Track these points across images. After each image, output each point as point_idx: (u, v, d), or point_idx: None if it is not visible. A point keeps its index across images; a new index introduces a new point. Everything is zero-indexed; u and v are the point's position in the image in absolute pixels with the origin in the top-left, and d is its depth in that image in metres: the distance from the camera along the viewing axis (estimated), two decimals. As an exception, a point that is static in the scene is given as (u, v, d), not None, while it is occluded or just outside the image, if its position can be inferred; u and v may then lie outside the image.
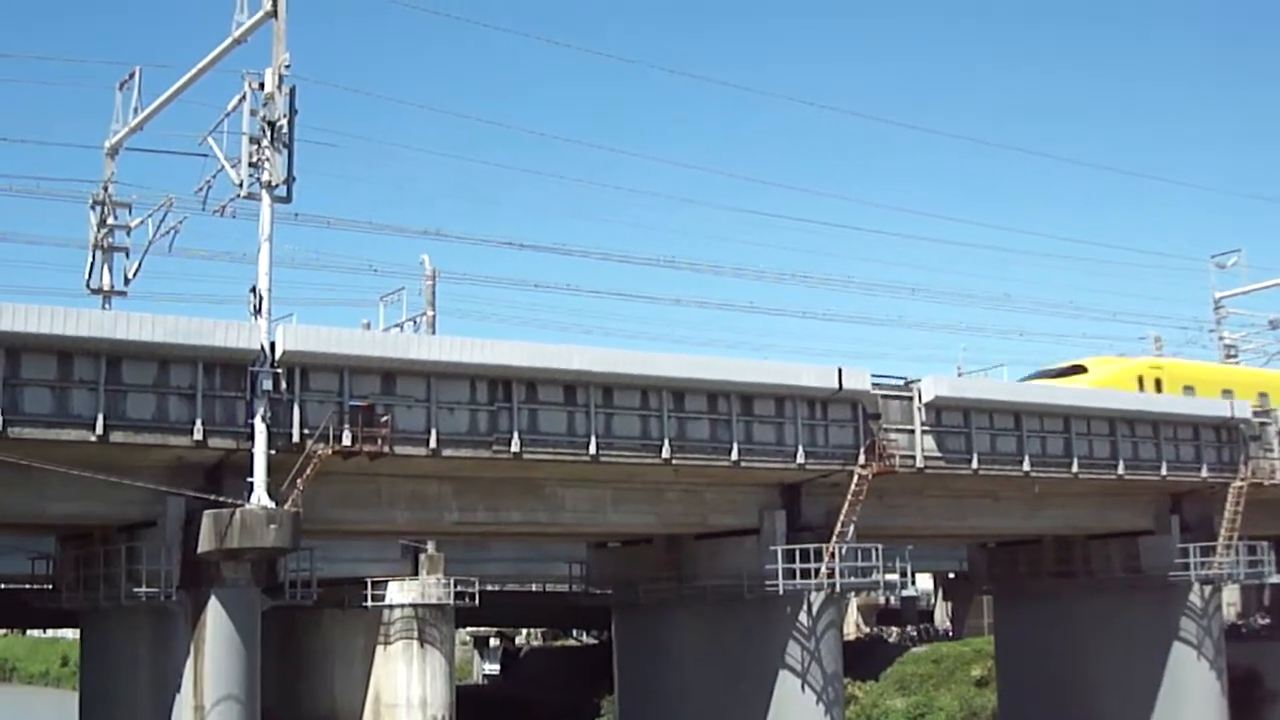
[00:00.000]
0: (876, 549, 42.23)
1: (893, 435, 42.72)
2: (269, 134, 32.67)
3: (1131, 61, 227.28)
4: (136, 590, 33.22)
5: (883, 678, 76.63)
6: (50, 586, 42.97)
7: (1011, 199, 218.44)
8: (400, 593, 67.92)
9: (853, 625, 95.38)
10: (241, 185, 32.92)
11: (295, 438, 33.22)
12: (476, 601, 68.99)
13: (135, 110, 36.46)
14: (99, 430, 30.92)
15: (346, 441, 33.37)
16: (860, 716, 68.94)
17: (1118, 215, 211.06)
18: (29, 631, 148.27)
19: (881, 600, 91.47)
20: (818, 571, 41.41)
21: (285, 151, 32.92)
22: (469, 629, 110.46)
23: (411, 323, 55.33)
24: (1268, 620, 71.90)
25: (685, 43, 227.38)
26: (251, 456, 32.40)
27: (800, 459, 41.08)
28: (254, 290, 32.93)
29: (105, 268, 36.84)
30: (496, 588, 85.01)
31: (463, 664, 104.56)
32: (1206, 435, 51.20)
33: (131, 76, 36.84)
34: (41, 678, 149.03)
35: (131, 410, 31.64)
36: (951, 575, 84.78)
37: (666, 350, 52.57)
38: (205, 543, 32.64)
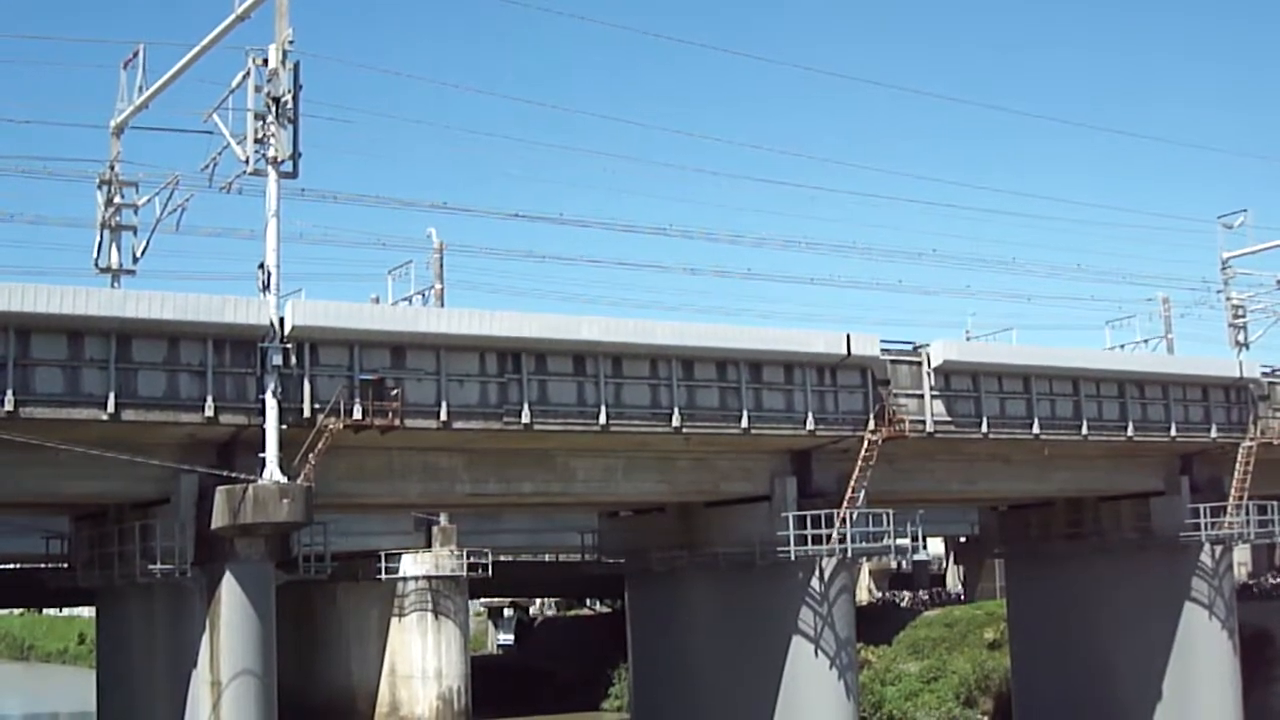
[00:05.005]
0: (887, 514, 42.25)
1: (902, 400, 42.76)
2: (274, 110, 32.65)
3: (1136, 25, 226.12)
4: (151, 567, 33.43)
5: (895, 642, 77.03)
6: (66, 565, 43.30)
7: (1018, 162, 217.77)
8: (414, 565, 68.42)
9: (865, 590, 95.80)
10: (247, 162, 32.89)
11: (306, 412, 33.37)
12: (489, 572, 69.47)
13: (140, 89, 36.34)
14: (110, 409, 31.11)
15: (357, 415, 33.59)
16: (874, 681, 69.19)
17: (1124, 177, 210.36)
18: (45, 610, 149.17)
19: (893, 565, 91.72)
20: (829, 537, 41.47)
21: (290, 127, 32.91)
22: (483, 600, 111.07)
23: (420, 296, 55.18)
24: (1279, 580, 72.04)
25: (690, 9, 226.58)
26: (263, 432, 32.57)
27: (810, 425, 41.15)
28: (262, 266, 32.98)
29: (113, 247, 36.74)
30: (509, 558, 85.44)
31: (477, 635, 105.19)
32: (1216, 396, 51.20)
33: (135, 55, 36.67)
34: (59, 656, 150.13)
35: (142, 388, 31.82)
36: (963, 539, 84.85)
37: (674, 319, 52.52)
38: (219, 519, 32.79)
